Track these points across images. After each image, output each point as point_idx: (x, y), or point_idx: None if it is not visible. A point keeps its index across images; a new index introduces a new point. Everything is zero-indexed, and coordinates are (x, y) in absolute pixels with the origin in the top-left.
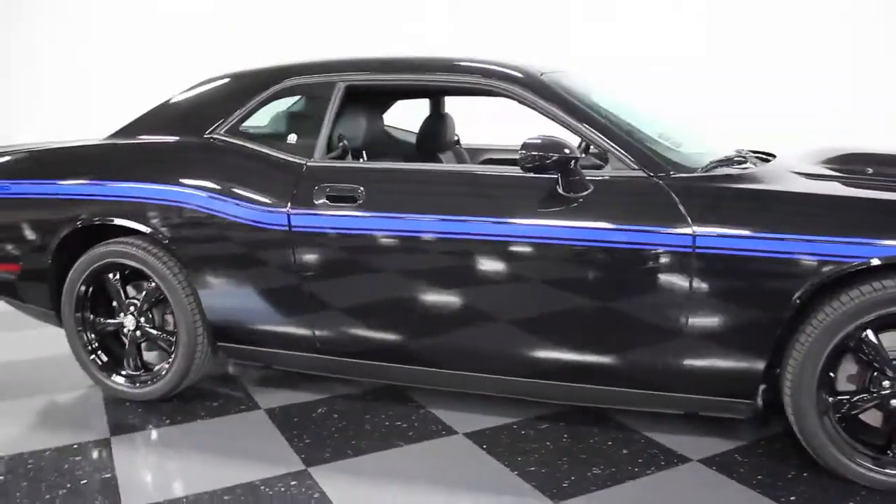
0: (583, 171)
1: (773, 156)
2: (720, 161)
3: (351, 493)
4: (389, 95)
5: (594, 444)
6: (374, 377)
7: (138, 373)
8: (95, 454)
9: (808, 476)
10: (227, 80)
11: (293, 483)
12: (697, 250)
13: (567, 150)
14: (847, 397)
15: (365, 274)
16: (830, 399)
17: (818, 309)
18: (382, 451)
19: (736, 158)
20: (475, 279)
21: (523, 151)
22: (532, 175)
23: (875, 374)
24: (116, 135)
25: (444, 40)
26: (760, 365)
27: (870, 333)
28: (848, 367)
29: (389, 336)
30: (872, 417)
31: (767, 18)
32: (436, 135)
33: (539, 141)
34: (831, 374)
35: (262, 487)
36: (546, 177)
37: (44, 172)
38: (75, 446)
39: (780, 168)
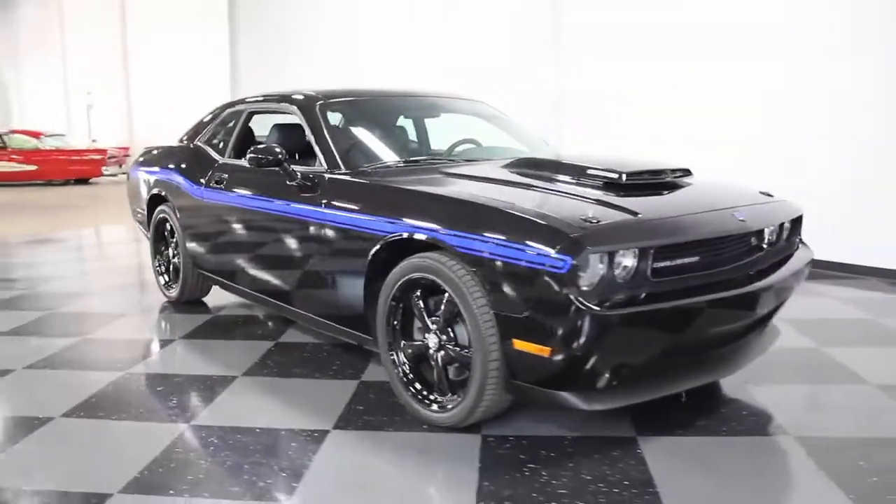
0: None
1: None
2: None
3: None
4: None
5: (325, 361)
6: (270, 308)
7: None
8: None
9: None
10: (213, 108)
11: None
12: (326, 222)
13: (279, 154)
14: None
15: (228, 229)
16: (402, 343)
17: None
18: None
19: (427, 160)
20: (263, 238)
21: (250, 154)
22: (266, 169)
23: (422, 328)
24: (180, 140)
25: None
26: (359, 307)
27: (417, 295)
28: (418, 322)
29: (254, 275)
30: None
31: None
32: None
33: (258, 146)
34: (395, 322)
35: None
36: (277, 170)
37: (145, 162)
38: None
39: (434, 169)
